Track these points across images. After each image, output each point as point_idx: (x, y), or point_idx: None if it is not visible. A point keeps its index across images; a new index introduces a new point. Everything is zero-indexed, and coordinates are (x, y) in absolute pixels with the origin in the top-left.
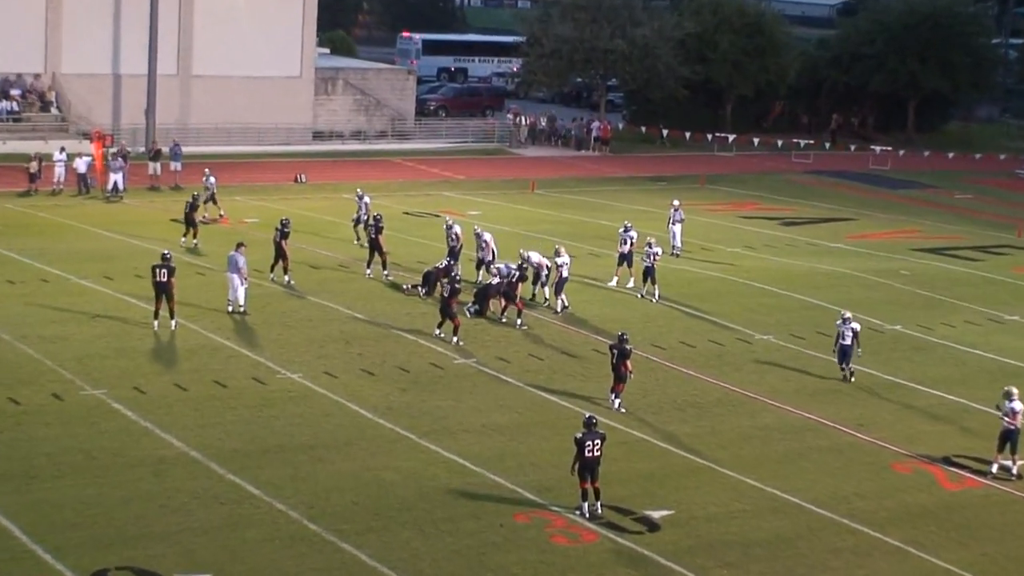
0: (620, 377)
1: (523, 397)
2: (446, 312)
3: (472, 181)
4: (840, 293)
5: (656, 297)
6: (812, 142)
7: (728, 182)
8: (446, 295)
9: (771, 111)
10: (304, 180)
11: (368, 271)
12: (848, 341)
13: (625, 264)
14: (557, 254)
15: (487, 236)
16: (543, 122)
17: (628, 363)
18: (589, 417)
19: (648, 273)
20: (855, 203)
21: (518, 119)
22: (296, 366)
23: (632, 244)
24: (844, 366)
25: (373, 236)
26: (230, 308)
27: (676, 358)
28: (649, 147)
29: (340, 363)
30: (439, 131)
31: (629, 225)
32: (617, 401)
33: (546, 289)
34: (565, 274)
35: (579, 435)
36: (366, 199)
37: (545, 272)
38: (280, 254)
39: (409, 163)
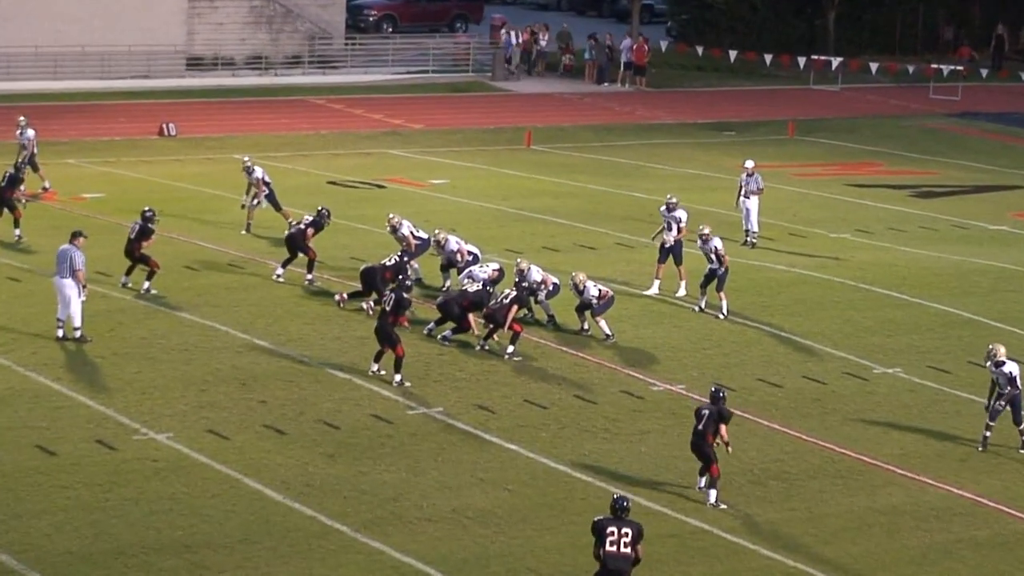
0: (705, 455)
1: (515, 466)
2: (384, 335)
3: (434, 132)
4: (1005, 302)
5: (724, 312)
6: (961, 69)
7: (831, 131)
8: (387, 308)
9: None
10: (174, 132)
11: (279, 272)
12: (1005, 394)
13: (672, 259)
14: (577, 288)
15: (405, 228)
16: (544, 40)
17: (724, 430)
18: (618, 499)
19: (712, 278)
20: None
21: (507, 36)
22: (164, 421)
23: (681, 229)
24: (992, 425)
25: (302, 229)
26: (60, 332)
27: (752, 404)
28: (708, 77)
29: (232, 416)
30: (383, 56)
31: (674, 201)
32: (713, 493)
33: (544, 304)
34: (592, 293)
35: (600, 519)
36: (258, 172)
37: (548, 289)
38: (137, 259)
39: (336, 104)
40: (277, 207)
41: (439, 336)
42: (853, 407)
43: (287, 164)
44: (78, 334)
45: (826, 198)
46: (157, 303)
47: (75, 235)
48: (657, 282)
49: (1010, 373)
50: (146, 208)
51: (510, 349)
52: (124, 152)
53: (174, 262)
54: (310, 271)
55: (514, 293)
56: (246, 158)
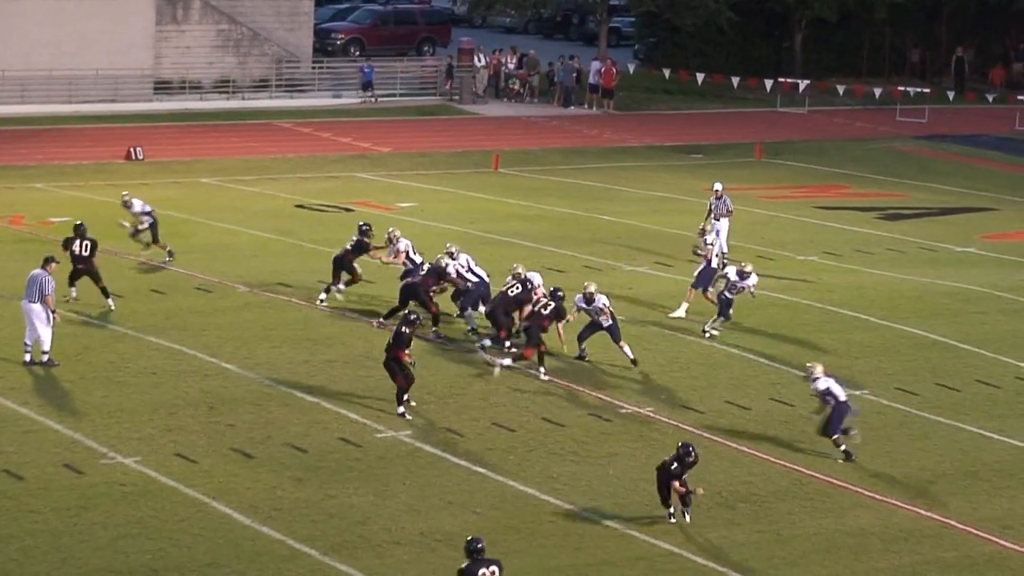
0: (665, 492)
1: (484, 489)
2: (388, 368)
3: (402, 155)
4: (972, 323)
5: (709, 332)
6: (927, 91)
7: (799, 153)
8: (390, 341)
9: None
10: (141, 156)
11: (338, 287)
12: (834, 403)
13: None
14: (587, 300)
15: (403, 244)
16: (511, 63)
17: (677, 483)
18: (472, 540)
19: (727, 306)
20: (994, 184)
21: (478, 59)
22: (131, 445)
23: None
24: (836, 438)
25: (347, 250)
26: (28, 356)
27: (720, 426)
28: (676, 100)
29: (200, 440)
30: (350, 79)
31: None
32: (685, 514)
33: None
34: (603, 301)
35: (465, 566)
36: (137, 206)
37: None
38: (84, 274)
39: (304, 128)
40: (155, 239)
41: (479, 344)
42: None
43: (255, 187)
44: (45, 358)
45: (794, 220)
46: (124, 326)
47: (47, 260)
48: (685, 304)
49: (826, 388)
50: (79, 222)
51: (541, 370)
52: (92, 176)
53: (141, 285)
54: (342, 284)
55: (554, 305)
56: (125, 192)
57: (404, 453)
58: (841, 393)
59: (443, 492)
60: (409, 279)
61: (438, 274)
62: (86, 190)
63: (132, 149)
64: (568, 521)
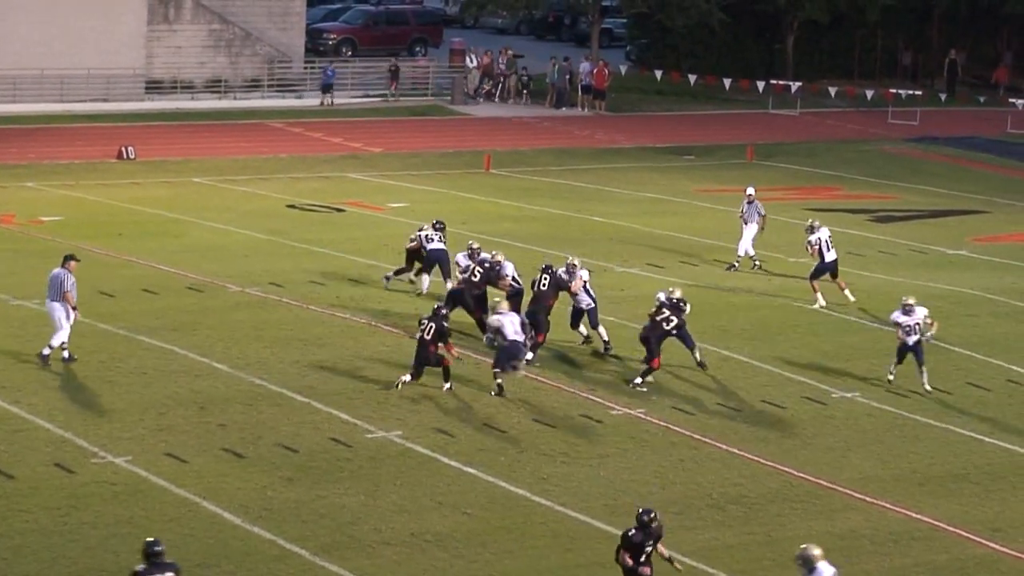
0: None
1: (474, 489)
2: (426, 363)
3: (393, 156)
4: (964, 326)
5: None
6: (919, 93)
7: (790, 155)
8: (427, 336)
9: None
10: (133, 155)
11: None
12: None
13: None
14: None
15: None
16: (502, 64)
17: (628, 556)
18: (151, 543)
19: (907, 353)
20: (985, 186)
21: (470, 60)
22: (122, 445)
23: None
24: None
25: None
26: (66, 353)
27: (711, 428)
28: (667, 101)
29: (191, 439)
30: (342, 79)
31: (816, 224)
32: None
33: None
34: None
35: (140, 569)
36: None
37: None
38: None
39: (295, 128)
40: None
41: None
42: (811, 431)
43: (246, 187)
44: (45, 352)
45: (785, 222)
46: (116, 326)
47: (67, 258)
48: (819, 295)
49: (497, 326)
50: None
51: (642, 379)
52: (83, 175)
53: (132, 285)
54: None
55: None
56: None
57: (395, 453)
58: (512, 333)
59: (434, 492)
60: (455, 286)
61: (487, 277)
62: (77, 189)
63: (123, 148)
64: (559, 522)
